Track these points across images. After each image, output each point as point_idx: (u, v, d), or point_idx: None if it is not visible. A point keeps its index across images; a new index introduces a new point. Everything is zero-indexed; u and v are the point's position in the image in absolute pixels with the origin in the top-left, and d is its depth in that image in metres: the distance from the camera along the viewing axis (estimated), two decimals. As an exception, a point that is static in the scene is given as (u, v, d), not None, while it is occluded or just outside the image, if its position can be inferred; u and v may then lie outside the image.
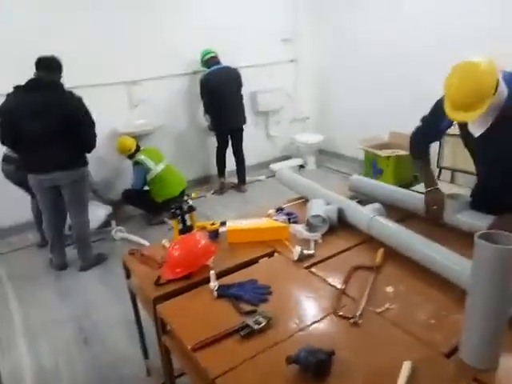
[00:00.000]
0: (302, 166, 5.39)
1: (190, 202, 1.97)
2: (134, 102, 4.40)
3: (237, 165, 4.77)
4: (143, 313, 1.81)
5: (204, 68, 4.44)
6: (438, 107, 1.66)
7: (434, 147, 3.05)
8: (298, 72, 5.43)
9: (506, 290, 1.02)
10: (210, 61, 4.37)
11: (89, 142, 3.06)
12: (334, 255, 1.71)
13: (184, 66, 4.60)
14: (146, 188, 4.01)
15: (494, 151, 1.64)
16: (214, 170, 4.87)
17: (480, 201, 1.81)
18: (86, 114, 3.01)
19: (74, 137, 2.96)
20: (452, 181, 3.78)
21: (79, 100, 2.98)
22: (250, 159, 4.91)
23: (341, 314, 1.33)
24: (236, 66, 4.54)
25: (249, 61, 4.87)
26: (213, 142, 4.78)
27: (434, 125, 1.80)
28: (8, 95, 2.90)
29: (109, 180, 4.41)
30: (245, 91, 4.65)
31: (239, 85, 4.50)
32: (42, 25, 3.72)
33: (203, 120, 4.69)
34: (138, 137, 4.24)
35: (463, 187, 3.36)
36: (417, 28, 4.07)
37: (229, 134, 4.62)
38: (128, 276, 1.88)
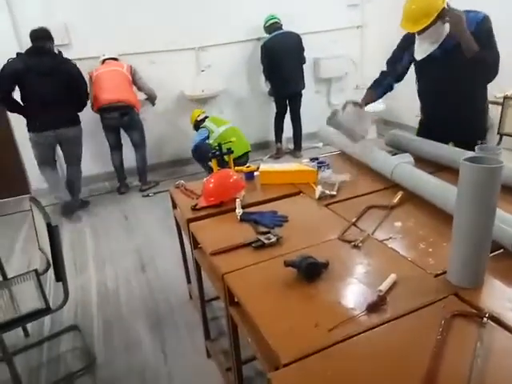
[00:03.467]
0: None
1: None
2: (200, 67, 4.69)
3: (293, 130, 4.89)
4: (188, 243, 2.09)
5: (266, 34, 4.56)
6: (402, 41, 2.17)
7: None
8: (363, 38, 5.32)
9: (488, 209, 1.08)
10: (271, 26, 4.49)
11: (83, 99, 3.63)
12: (355, 197, 1.82)
13: (249, 32, 4.77)
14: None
15: (444, 80, 2.06)
16: (273, 136, 5.04)
17: (427, 131, 2.22)
18: (82, 76, 3.56)
19: (72, 96, 3.50)
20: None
21: (75, 64, 3.54)
22: (309, 127, 4.95)
23: (345, 239, 1.46)
24: (300, 32, 4.58)
25: (313, 27, 4.88)
26: (273, 107, 4.92)
27: (396, 57, 2.22)
28: (9, 60, 3.36)
29: (176, 138, 4.80)
30: (307, 57, 4.71)
31: (300, 49, 4.56)
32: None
33: (264, 86, 4.86)
34: (202, 100, 4.56)
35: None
36: None
37: (287, 100, 4.73)
38: (174, 207, 2.16)
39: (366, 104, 2.27)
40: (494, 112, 3.56)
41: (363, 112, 2.16)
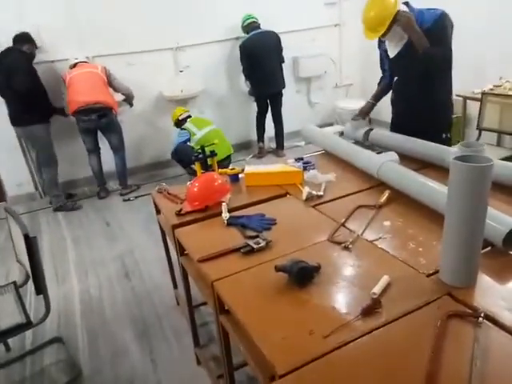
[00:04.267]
0: (342, 134, 5.36)
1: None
2: (178, 67, 4.61)
3: (275, 129, 4.87)
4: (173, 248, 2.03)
5: (244, 33, 4.52)
6: (378, 41, 2.30)
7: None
8: (342, 37, 5.33)
9: (480, 208, 1.07)
10: (249, 26, 4.44)
11: (30, 95, 3.57)
12: (342, 197, 1.80)
13: (227, 31, 4.71)
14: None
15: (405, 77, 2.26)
16: (255, 135, 5.00)
17: (396, 129, 2.35)
18: (25, 70, 3.54)
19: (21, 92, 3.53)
20: (498, 143, 3.60)
21: (24, 59, 3.57)
22: (290, 126, 4.95)
23: (335, 240, 1.44)
24: (278, 31, 4.56)
25: (291, 26, 4.86)
26: (253, 107, 4.88)
27: (380, 58, 2.41)
28: None
29: (155, 140, 4.71)
30: (286, 56, 4.69)
31: (278, 48, 4.53)
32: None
33: (244, 85, 4.81)
34: (181, 100, 4.48)
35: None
36: None
37: (268, 99, 4.70)
38: (158, 212, 2.11)
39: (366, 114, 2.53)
40: (473, 108, 3.65)
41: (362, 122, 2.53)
